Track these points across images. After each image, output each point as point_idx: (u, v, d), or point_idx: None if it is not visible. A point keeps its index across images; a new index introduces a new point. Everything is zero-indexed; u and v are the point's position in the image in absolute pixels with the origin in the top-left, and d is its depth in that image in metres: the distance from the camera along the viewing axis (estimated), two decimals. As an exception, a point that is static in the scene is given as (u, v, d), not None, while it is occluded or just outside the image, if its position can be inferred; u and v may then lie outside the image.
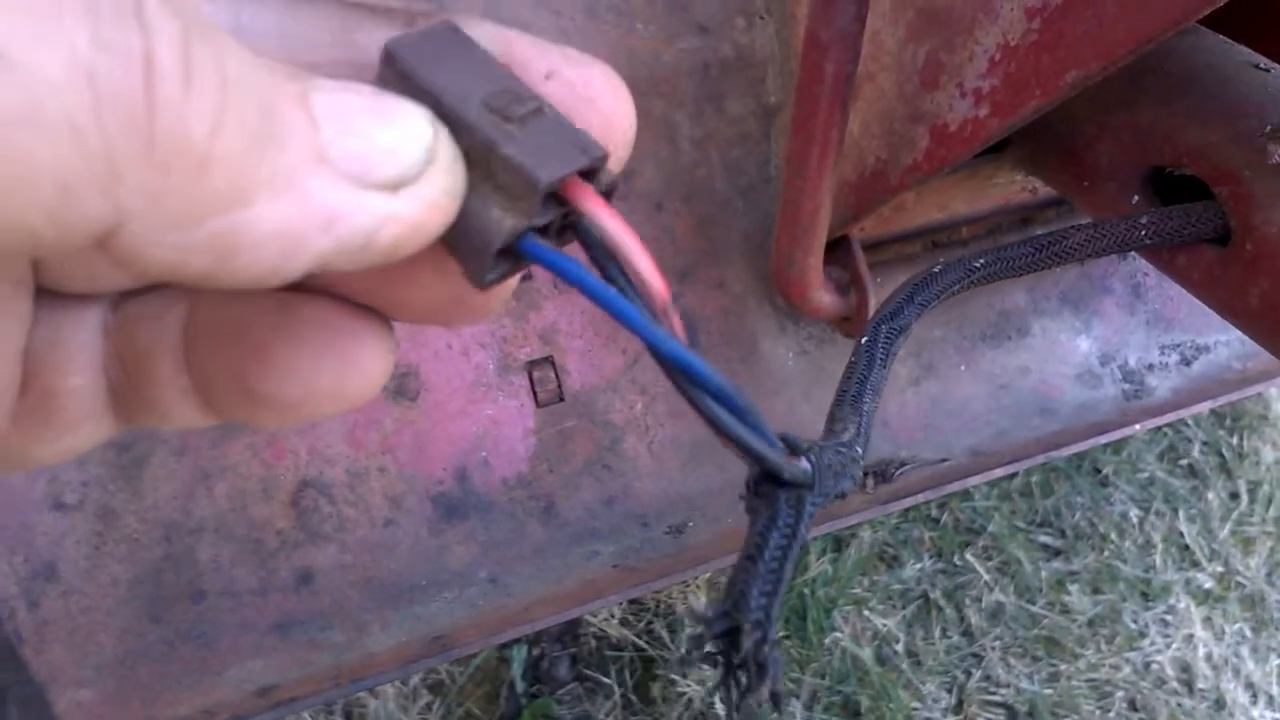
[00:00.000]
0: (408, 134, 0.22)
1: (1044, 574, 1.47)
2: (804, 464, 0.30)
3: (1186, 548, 1.54)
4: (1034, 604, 1.46)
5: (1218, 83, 0.62)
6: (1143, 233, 0.61)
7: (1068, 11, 0.56)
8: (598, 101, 0.26)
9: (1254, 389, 0.90)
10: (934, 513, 1.49)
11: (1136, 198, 0.65)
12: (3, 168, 0.17)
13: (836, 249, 0.78)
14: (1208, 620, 1.51)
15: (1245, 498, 1.60)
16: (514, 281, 0.27)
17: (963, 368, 0.87)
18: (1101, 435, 0.86)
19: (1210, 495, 1.58)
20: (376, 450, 0.77)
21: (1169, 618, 1.49)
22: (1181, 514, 1.55)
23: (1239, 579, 1.55)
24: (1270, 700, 1.52)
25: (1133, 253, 0.70)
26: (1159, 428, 1.60)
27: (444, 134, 0.23)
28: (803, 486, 0.30)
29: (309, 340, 0.26)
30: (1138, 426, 0.84)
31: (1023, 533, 1.50)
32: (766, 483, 0.30)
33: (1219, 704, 1.48)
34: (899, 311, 0.55)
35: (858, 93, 0.75)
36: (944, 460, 0.84)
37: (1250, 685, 1.51)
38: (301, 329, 0.26)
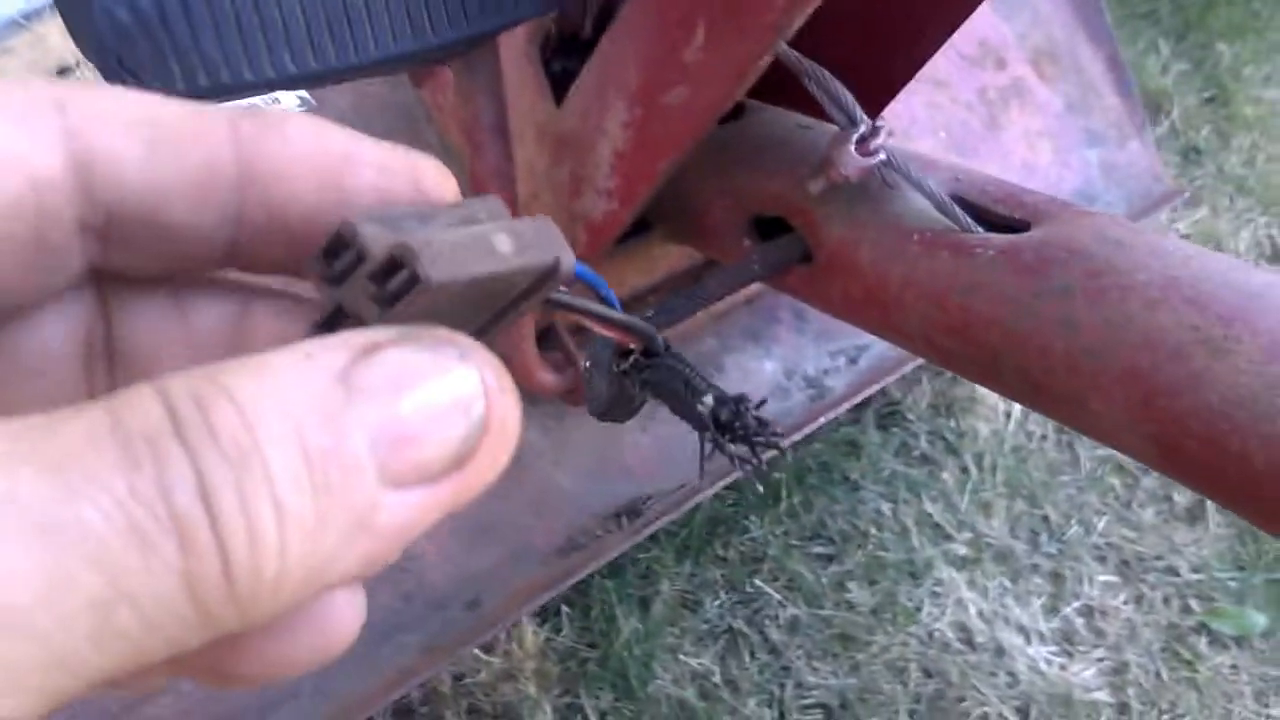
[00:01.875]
0: (452, 420, 0.22)
1: (824, 580, 1.66)
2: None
3: (937, 525, 1.76)
4: (822, 609, 1.64)
5: (778, 144, 0.82)
6: (755, 268, 0.79)
7: (646, 122, 0.74)
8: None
9: (909, 366, 1.11)
10: (720, 551, 1.65)
11: (748, 241, 0.84)
12: (111, 645, 0.17)
13: (547, 336, 0.94)
14: (971, 582, 1.73)
15: (974, 470, 1.84)
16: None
17: (678, 410, 1.04)
18: (797, 433, 1.05)
19: (945, 475, 1.82)
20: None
21: (938, 589, 1.70)
22: (924, 497, 1.78)
23: (987, 540, 1.78)
24: (1041, 636, 1.74)
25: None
26: (888, 428, 1.84)
27: (491, 380, 0.23)
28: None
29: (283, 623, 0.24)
30: (821, 419, 1.03)
31: (798, 549, 1.68)
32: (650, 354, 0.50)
33: (999, 651, 1.70)
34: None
35: (531, 210, 0.92)
36: (682, 485, 1.00)
37: (1021, 629, 1.73)
38: None
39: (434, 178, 0.26)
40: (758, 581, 1.63)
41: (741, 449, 0.50)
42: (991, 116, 1.33)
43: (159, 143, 0.22)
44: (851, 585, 1.66)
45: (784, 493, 1.71)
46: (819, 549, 1.70)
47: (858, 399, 1.09)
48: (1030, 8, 1.40)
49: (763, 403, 0.51)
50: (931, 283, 0.69)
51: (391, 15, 0.69)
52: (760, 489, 1.71)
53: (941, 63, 1.33)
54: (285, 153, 0.24)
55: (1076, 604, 1.77)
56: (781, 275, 0.82)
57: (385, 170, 0.25)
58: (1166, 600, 1.89)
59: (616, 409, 0.63)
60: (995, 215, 0.71)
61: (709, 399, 0.47)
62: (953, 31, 0.82)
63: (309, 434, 0.19)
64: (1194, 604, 1.89)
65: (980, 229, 0.69)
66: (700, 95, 0.70)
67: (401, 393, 0.21)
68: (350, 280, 0.23)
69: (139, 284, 0.25)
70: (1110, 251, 0.63)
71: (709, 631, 1.59)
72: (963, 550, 1.75)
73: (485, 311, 0.27)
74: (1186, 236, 2.43)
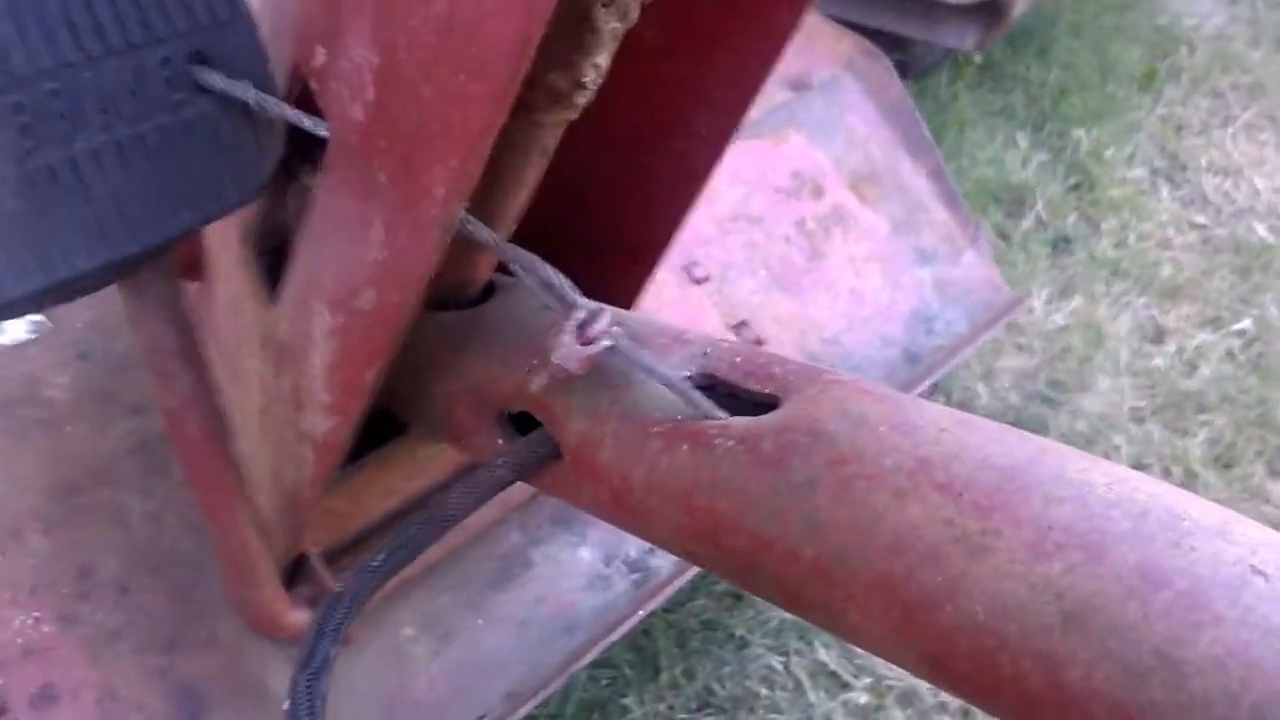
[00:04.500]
0: None
1: (716, 755, 1.52)
2: None
3: (833, 674, 1.65)
4: (716, 788, 1.50)
5: (514, 330, 0.73)
6: (502, 473, 0.69)
7: (348, 329, 0.65)
8: None
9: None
10: (596, 743, 1.51)
11: (501, 440, 0.74)
12: None
13: (299, 569, 0.83)
14: (875, 732, 1.61)
15: (867, 607, 1.73)
16: None
17: (480, 621, 0.93)
18: (623, 626, 0.94)
19: (836, 618, 1.71)
20: None
21: (840, 746, 1.57)
22: (817, 644, 1.66)
23: (889, 682, 1.66)
24: (960, 780, 1.62)
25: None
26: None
27: None
28: None
29: None
30: (641, 613, 0.92)
31: (685, 724, 1.55)
32: None
33: (916, 805, 1.57)
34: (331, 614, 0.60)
35: (267, 423, 0.81)
36: (483, 717, 0.88)
37: (936, 774, 1.61)
38: None
39: None
40: (640, 771, 1.49)
41: None
42: (813, 248, 1.27)
43: None
44: (746, 757, 1.53)
45: (664, 662, 1.59)
46: (708, 719, 1.57)
47: (688, 576, 0.98)
48: (844, 130, 1.36)
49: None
50: (674, 483, 0.59)
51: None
52: (638, 662, 1.58)
53: (756, 199, 1.27)
54: None
55: (991, 740, 1.65)
56: (537, 476, 0.72)
57: None
58: None
59: None
60: (745, 392, 0.62)
61: None
62: (695, 194, 0.75)
63: None
64: None
65: (723, 414, 0.60)
66: (387, 297, 0.61)
67: None
68: None
69: None
70: (853, 432, 0.54)
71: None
72: (863, 698, 1.62)
73: None
74: (1065, 328, 2.39)
